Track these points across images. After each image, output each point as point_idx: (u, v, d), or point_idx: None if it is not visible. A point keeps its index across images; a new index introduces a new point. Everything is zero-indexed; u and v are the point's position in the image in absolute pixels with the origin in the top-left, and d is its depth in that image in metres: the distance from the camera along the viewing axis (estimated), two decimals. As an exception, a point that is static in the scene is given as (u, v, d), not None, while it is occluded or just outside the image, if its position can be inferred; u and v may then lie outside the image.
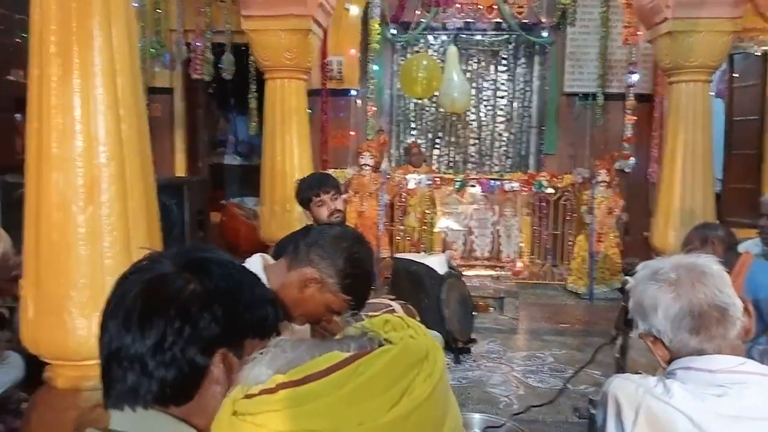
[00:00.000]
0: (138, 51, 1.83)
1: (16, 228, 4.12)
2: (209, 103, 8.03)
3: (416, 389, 0.54)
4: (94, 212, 1.73)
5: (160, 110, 6.64)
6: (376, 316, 0.70)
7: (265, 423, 0.55)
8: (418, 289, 4.12)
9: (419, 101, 7.34)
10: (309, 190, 2.69)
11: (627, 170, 6.34)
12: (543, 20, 6.83)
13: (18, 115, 6.19)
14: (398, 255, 5.11)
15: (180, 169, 6.93)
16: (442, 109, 7.25)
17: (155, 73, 6.50)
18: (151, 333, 0.79)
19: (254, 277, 0.91)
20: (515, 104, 7.47)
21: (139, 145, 1.82)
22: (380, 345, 0.61)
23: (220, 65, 6.19)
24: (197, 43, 6.05)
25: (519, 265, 5.86)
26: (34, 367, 2.68)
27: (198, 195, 4.73)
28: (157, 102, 6.58)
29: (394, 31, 7.01)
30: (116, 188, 1.76)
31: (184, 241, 4.59)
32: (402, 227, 5.96)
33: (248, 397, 0.57)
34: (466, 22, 7.00)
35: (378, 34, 5.92)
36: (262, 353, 0.69)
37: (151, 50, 6.03)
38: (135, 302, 0.80)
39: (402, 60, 7.15)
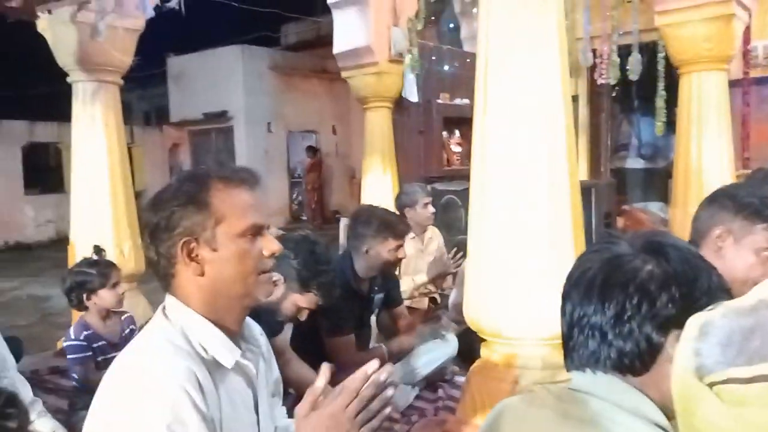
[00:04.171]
0: (567, 61, 1.98)
1: (444, 228, 4.83)
2: (612, 107, 7.94)
3: None
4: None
5: (566, 117, 6.89)
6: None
7: None
8: None
9: None
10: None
11: None
12: None
13: (445, 133, 7.18)
14: None
15: (582, 174, 7.05)
16: None
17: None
18: (611, 305, 0.87)
19: (711, 265, 0.92)
20: None
21: (567, 146, 1.97)
22: None
23: (626, 67, 6.07)
24: (603, 48, 6.07)
25: None
26: (464, 344, 3.11)
27: (605, 199, 4.74)
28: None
29: None
30: (543, 186, 1.95)
31: (588, 246, 4.65)
32: None
33: None
34: None
35: (822, 4, 4.98)
36: None
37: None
38: (596, 277, 0.90)
39: None
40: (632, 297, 0.86)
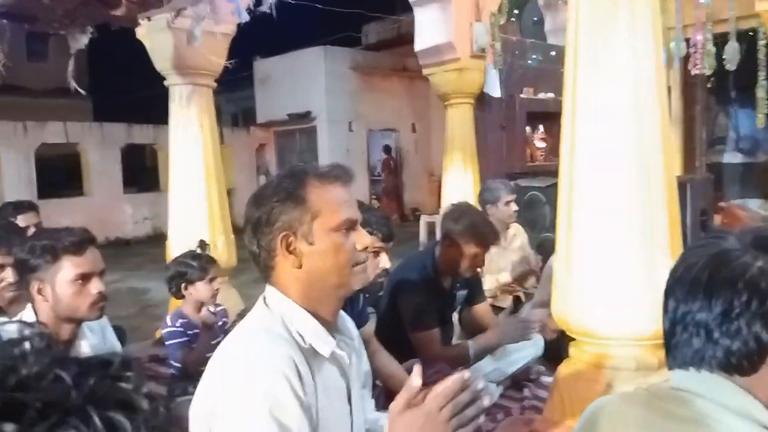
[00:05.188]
0: (661, 51, 1.91)
1: (527, 225, 4.74)
2: (707, 99, 7.54)
3: None
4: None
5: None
6: None
7: None
8: None
9: None
10: None
11: None
12: None
13: (528, 128, 7.05)
14: None
15: (676, 169, 6.74)
16: None
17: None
18: (718, 303, 0.84)
19: None
20: None
21: (661, 140, 1.90)
22: None
23: (722, 56, 5.75)
24: (697, 37, 5.77)
25: None
26: (550, 343, 3.04)
27: (701, 195, 4.52)
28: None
29: None
30: (637, 181, 1.88)
31: (684, 243, 4.42)
32: None
33: None
34: None
35: None
36: None
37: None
38: (701, 273, 0.86)
39: None
40: (741, 294, 0.83)
